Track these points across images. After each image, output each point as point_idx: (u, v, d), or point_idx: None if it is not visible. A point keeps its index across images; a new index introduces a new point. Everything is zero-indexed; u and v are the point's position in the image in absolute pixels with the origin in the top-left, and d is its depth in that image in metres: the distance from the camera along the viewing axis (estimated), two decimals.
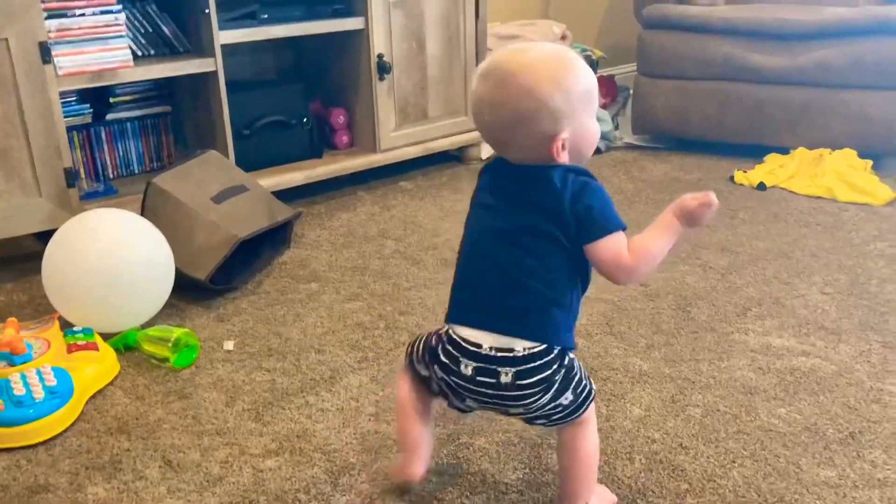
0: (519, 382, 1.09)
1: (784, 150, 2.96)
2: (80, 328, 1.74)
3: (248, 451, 1.43)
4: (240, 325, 1.89)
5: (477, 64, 2.99)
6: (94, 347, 1.67)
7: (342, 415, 1.53)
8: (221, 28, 2.38)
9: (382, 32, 2.69)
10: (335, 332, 1.84)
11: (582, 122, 1.11)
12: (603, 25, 4.14)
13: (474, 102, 1.13)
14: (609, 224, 1.11)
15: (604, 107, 3.51)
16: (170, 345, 1.71)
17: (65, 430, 1.50)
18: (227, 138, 2.46)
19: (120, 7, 2.25)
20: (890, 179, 2.76)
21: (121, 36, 2.25)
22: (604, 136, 3.23)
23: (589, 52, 3.74)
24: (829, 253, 2.22)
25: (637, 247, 1.11)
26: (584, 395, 1.15)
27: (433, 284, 2.08)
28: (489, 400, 1.13)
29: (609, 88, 3.69)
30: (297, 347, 1.78)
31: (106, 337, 1.78)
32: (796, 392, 1.57)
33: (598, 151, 3.22)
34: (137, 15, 2.42)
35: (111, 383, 1.66)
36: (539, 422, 1.17)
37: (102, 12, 2.21)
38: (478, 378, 1.11)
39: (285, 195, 2.55)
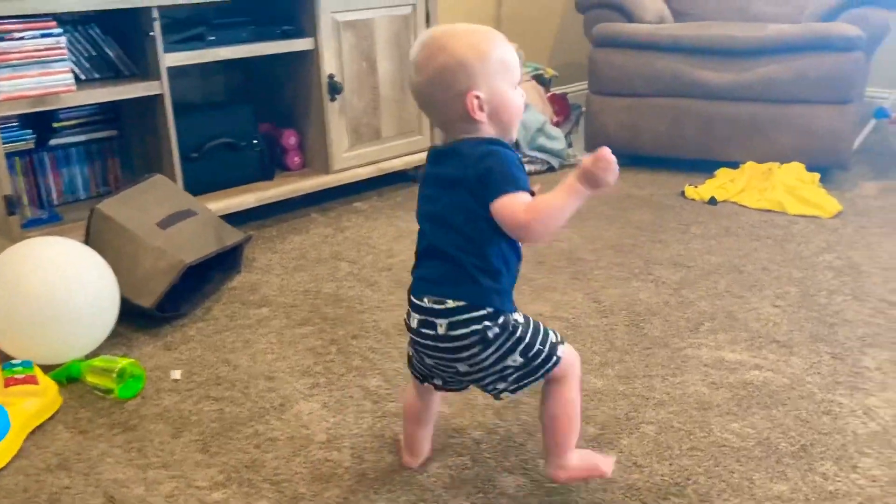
0: (451, 333, 1.20)
1: (734, 165, 3.00)
2: (20, 361, 1.67)
3: (194, 484, 1.38)
4: (188, 354, 1.84)
5: None
6: (34, 381, 1.62)
7: (292, 444, 1.49)
8: (167, 50, 2.34)
9: (332, 53, 2.67)
10: (286, 359, 1.80)
11: (498, 87, 1.19)
12: (555, 44, 4.18)
13: (410, 68, 1.23)
14: (507, 185, 1.15)
15: (557, 125, 3.54)
16: (114, 375, 1.66)
17: (1, 469, 1.44)
18: (175, 162, 2.41)
19: (61, 30, 2.20)
20: (837, 192, 2.81)
21: (62, 59, 2.20)
22: (557, 154, 3.25)
23: (541, 71, 3.77)
24: (779, 266, 2.25)
25: (534, 205, 1.14)
26: (539, 359, 1.23)
27: (388, 306, 2.05)
28: (434, 354, 1.24)
29: (562, 107, 3.71)
30: (247, 375, 1.74)
31: (48, 369, 1.72)
32: (749, 406, 1.57)
33: (551, 169, 3.23)
34: (80, 38, 2.37)
35: (52, 417, 1.60)
36: (500, 386, 1.26)
37: (43, 35, 2.16)
38: (422, 330, 1.23)
39: (236, 218, 2.51)
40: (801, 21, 3.08)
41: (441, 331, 1.21)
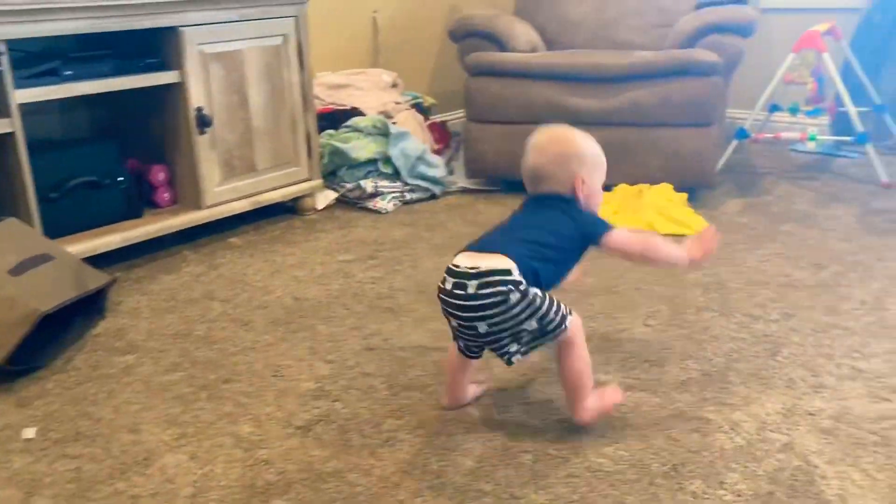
0: (479, 292, 1.46)
1: (607, 188, 3.07)
2: None
3: None
4: (44, 409, 1.72)
5: (304, 113, 2.94)
6: None
7: (155, 501, 1.41)
8: (18, 86, 2.21)
9: (200, 85, 2.59)
10: (152, 409, 1.71)
11: (592, 176, 1.68)
12: (433, 73, 4.21)
13: (527, 154, 1.70)
14: (602, 226, 1.64)
15: (437, 153, 3.55)
16: None
17: None
18: (31, 203, 2.27)
19: None
20: (704, 210, 2.93)
21: None
22: (438, 182, 3.26)
23: (421, 99, 3.78)
24: (651, 285, 2.31)
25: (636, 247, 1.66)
26: (552, 326, 1.50)
27: (262, 346, 1.98)
28: (461, 314, 1.49)
29: (442, 134, 3.74)
30: (109, 429, 1.64)
31: None
32: (623, 428, 1.59)
33: (433, 197, 3.24)
34: None
35: None
36: (513, 349, 1.51)
37: None
38: (454, 291, 1.49)
39: (103, 260, 2.39)
40: (663, 48, 3.21)
41: (471, 290, 1.46)
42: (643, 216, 2.84)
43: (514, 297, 1.45)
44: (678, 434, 1.57)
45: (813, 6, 3.86)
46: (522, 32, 3.39)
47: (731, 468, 1.46)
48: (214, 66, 2.63)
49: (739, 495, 1.38)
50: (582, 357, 1.55)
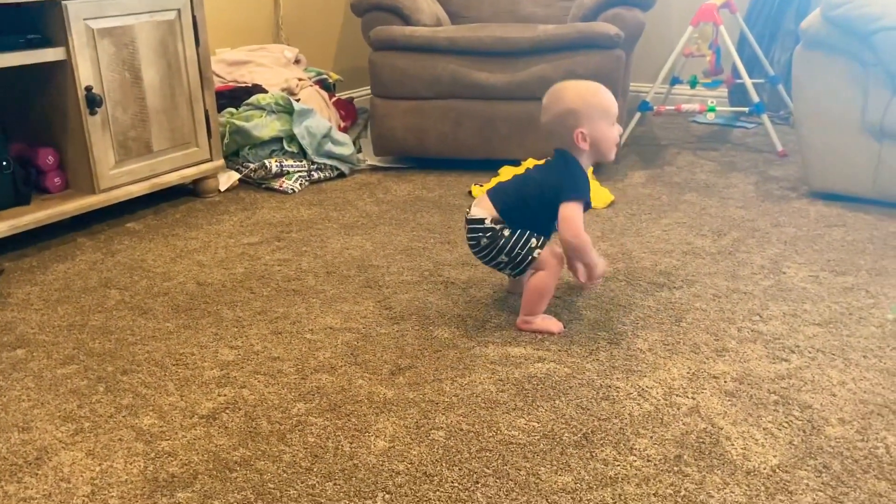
0: (467, 235, 1.92)
1: (516, 162, 3.09)
2: None
3: None
4: None
5: (202, 91, 2.83)
6: None
7: (50, 502, 1.33)
8: None
9: (89, 63, 2.46)
10: (44, 405, 1.62)
11: (598, 126, 1.82)
12: (338, 48, 4.13)
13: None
14: (570, 194, 1.82)
15: (345, 130, 3.49)
16: None
17: None
18: None
19: None
20: (609, 183, 2.97)
21: None
22: (346, 160, 3.20)
23: (325, 76, 3.70)
24: None
25: (578, 235, 1.82)
26: (519, 259, 1.86)
27: (163, 335, 1.90)
28: (469, 241, 1.93)
29: (349, 111, 3.67)
30: None
31: None
32: (534, 400, 1.60)
33: (342, 175, 3.18)
34: None
35: None
36: (507, 271, 1.94)
37: None
38: (467, 227, 1.92)
39: None
40: (566, 22, 3.23)
41: (466, 233, 1.93)
42: None
43: (483, 241, 1.88)
44: (588, 403, 1.58)
45: None
46: (427, 6, 3.35)
47: (640, 434, 1.48)
48: (103, 42, 2.49)
49: (649, 460, 1.40)
50: (542, 281, 1.85)
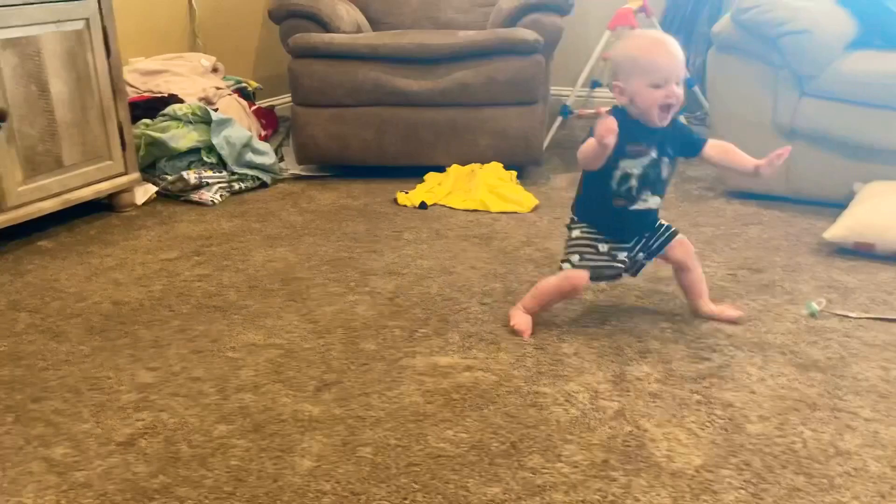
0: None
1: (441, 169, 3.09)
2: None
3: None
4: None
5: (115, 103, 2.73)
6: None
7: None
8: None
9: None
10: None
11: (633, 82, 1.72)
12: (258, 56, 4.05)
13: None
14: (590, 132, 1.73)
15: (266, 139, 3.43)
16: None
17: None
18: None
19: None
20: (533, 187, 3.00)
21: None
22: (268, 170, 3.14)
23: (244, 84, 3.63)
24: (485, 263, 2.33)
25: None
26: (565, 257, 1.88)
27: (77, 358, 1.82)
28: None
29: (270, 120, 3.61)
30: None
31: None
32: (462, 410, 1.59)
33: (264, 185, 3.12)
34: None
35: None
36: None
37: None
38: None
39: None
40: (486, 27, 3.24)
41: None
42: (476, 195, 2.86)
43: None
44: (516, 410, 1.58)
45: None
46: (346, 13, 3.31)
47: (567, 440, 1.48)
48: (6, 53, 2.38)
49: (576, 466, 1.41)
50: (549, 286, 1.88)
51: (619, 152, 1.73)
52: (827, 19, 2.59)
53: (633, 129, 1.74)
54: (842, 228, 2.30)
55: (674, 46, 1.72)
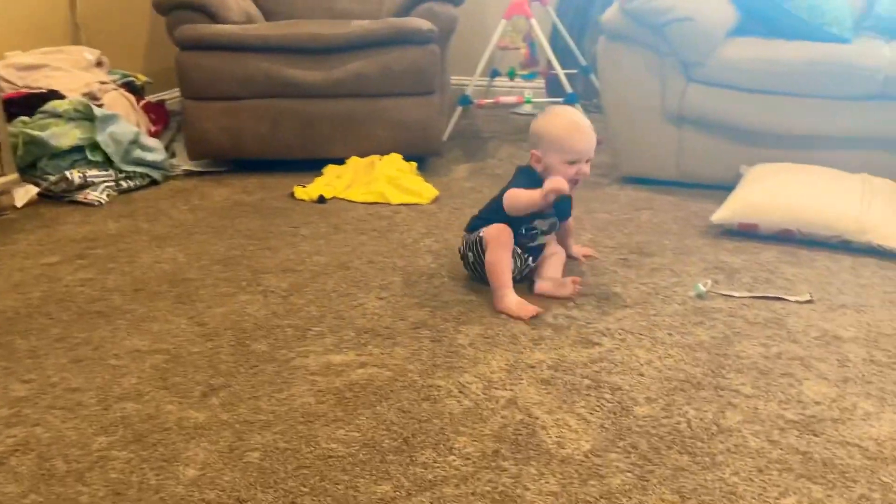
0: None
1: (340, 161, 3.04)
2: None
3: None
4: None
5: None
6: None
7: None
8: None
9: None
10: None
11: (550, 157, 1.96)
12: (147, 49, 3.90)
13: None
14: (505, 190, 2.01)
15: (156, 135, 3.30)
16: None
17: None
18: None
19: None
20: (434, 178, 2.98)
21: None
22: (158, 166, 3.03)
23: (132, 78, 3.49)
24: (384, 257, 2.30)
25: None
26: (476, 247, 2.03)
27: None
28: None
29: (160, 115, 3.48)
30: None
31: None
32: (355, 408, 1.56)
33: (154, 183, 3.00)
34: None
35: None
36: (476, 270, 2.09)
37: None
38: None
39: None
40: (381, 17, 3.20)
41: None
42: (375, 187, 2.83)
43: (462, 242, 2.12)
44: (410, 405, 1.57)
45: None
46: (235, 3, 3.22)
47: (459, 432, 1.48)
48: None
49: (468, 458, 1.40)
50: (490, 256, 1.97)
51: (536, 213, 1.98)
52: (709, 7, 2.66)
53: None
54: (727, 211, 2.37)
55: (590, 130, 1.98)
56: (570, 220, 2.20)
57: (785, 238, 2.31)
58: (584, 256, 2.24)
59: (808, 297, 1.98)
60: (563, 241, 2.20)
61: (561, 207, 2.06)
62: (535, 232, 2.04)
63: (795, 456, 1.39)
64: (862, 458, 1.39)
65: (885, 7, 2.81)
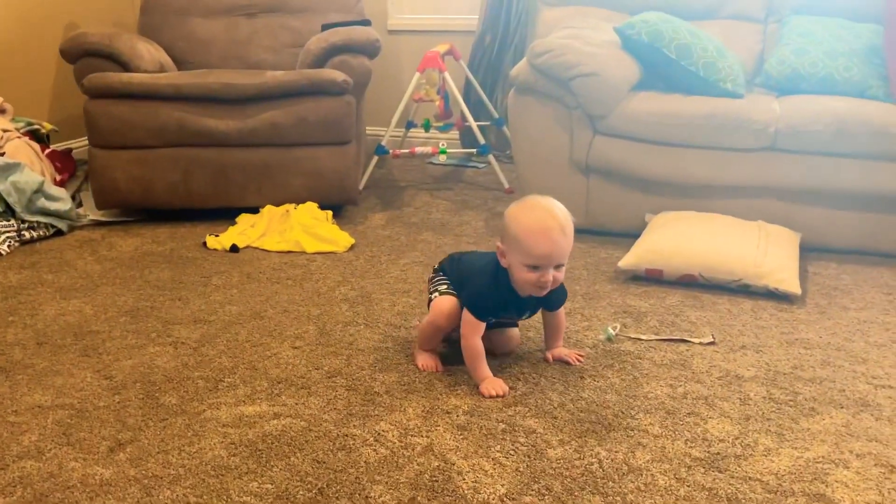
0: None
1: (254, 210, 3.02)
2: None
3: None
4: None
5: None
6: None
7: None
8: None
9: None
10: None
11: (512, 256, 1.74)
12: (53, 96, 3.80)
13: None
14: (466, 301, 1.83)
15: (61, 184, 3.21)
16: None
17: None
18: None
19: None
20: (350, 226, 2.99)
21: None
22: (64, 216, 2.94)
23: (37, 126, 3.39)
24: (298, 306, 2.29)
25: (463, 336, 1.83)
26: (432, 289, 1.93)
27: None
28: None
29: (66, 164, 3.39)
30: None
31: None
32: (269, 460, 1.54)
33: (59, 233, 2.91)
34: None
35: None
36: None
37: None
38: None
39: None
40: (296, 68, 3.23)
41: None
42: (290, 235, 2.82)
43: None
44: (324, 455, 1.55)
45: (433, 28, 4.15)
46: (147, 52, 3.19)
47: (375, 481, 1.47)
48: None
49: None
50: (425, 324, 1.91)
51: (489, 326, 1.84)
52: (614, 63, 2.79)
53: (507, 299, 1.80)
54: (634, 257, 2.46)
55: (560, 233, 1.68)
56: (562, 311, 1.92)
57: (688, 283, 2.41)
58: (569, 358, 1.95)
59: (710, 339, 2.06)
60: (548, 338, 1.96)
61: (545, 300, 1.84)
62: (494, 322, 1.89)
63: (702, 492, 1.44)
64: (763, 491, 1.45)
65: (772, 66, 3.01)
